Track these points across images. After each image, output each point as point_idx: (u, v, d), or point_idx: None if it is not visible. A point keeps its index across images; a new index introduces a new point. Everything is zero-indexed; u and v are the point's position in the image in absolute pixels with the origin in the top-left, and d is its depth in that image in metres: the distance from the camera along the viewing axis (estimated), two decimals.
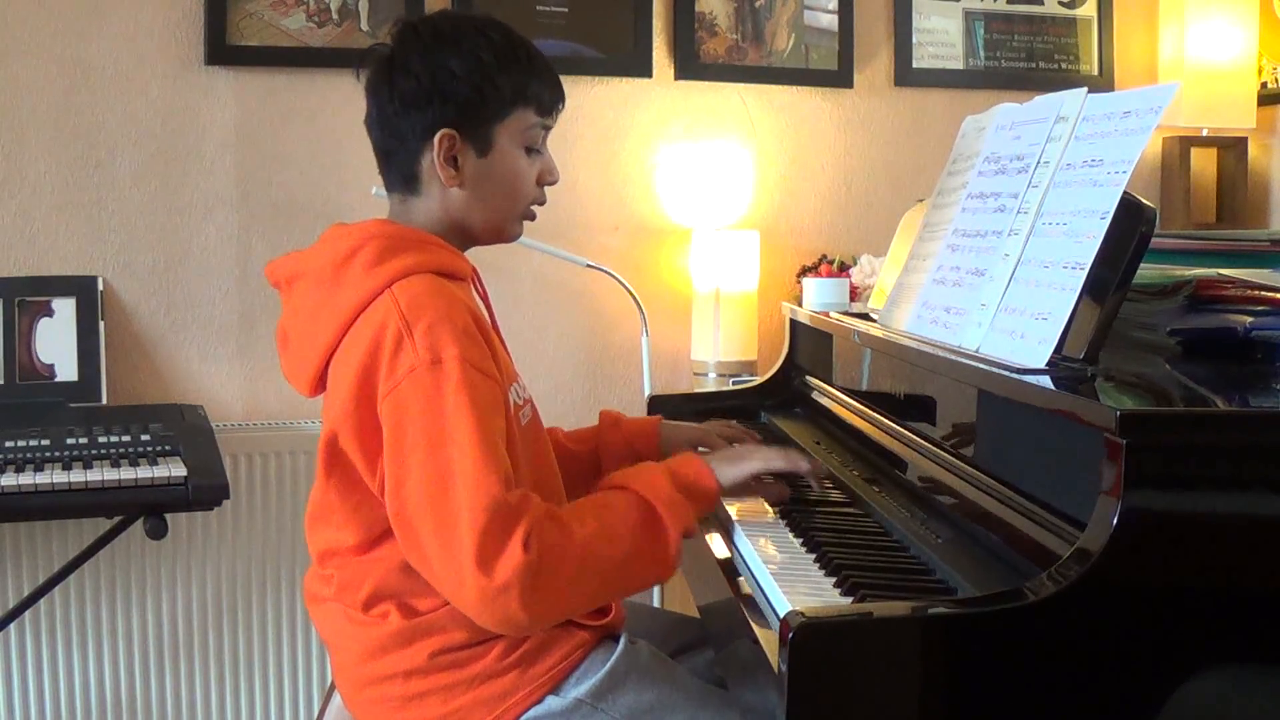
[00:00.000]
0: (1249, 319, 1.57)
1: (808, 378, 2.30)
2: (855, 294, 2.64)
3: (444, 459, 1.37)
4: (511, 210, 1.59)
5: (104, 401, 2.56)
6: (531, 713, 1.48)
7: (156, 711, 2.67)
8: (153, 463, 2.24)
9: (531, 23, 2.82)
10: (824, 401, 2.17)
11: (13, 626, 2.53)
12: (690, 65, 2.96)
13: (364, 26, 2.76)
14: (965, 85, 3.11)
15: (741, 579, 1.46)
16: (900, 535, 1.52)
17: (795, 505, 1.66)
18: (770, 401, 2.38)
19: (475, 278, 1.62)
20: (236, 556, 2.69)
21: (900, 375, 1.78)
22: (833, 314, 2.19)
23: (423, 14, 2.66)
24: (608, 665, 1.51)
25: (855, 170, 3.10)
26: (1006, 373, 1.39)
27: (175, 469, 2.22)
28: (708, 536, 1.62)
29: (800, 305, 2.37)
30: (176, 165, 2.69)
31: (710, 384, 2.84)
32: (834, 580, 1.36)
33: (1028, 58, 3.16)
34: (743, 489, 1.61)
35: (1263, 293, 1.59)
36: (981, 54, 3.14)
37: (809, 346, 2.33)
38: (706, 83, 2.99)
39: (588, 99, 2.91)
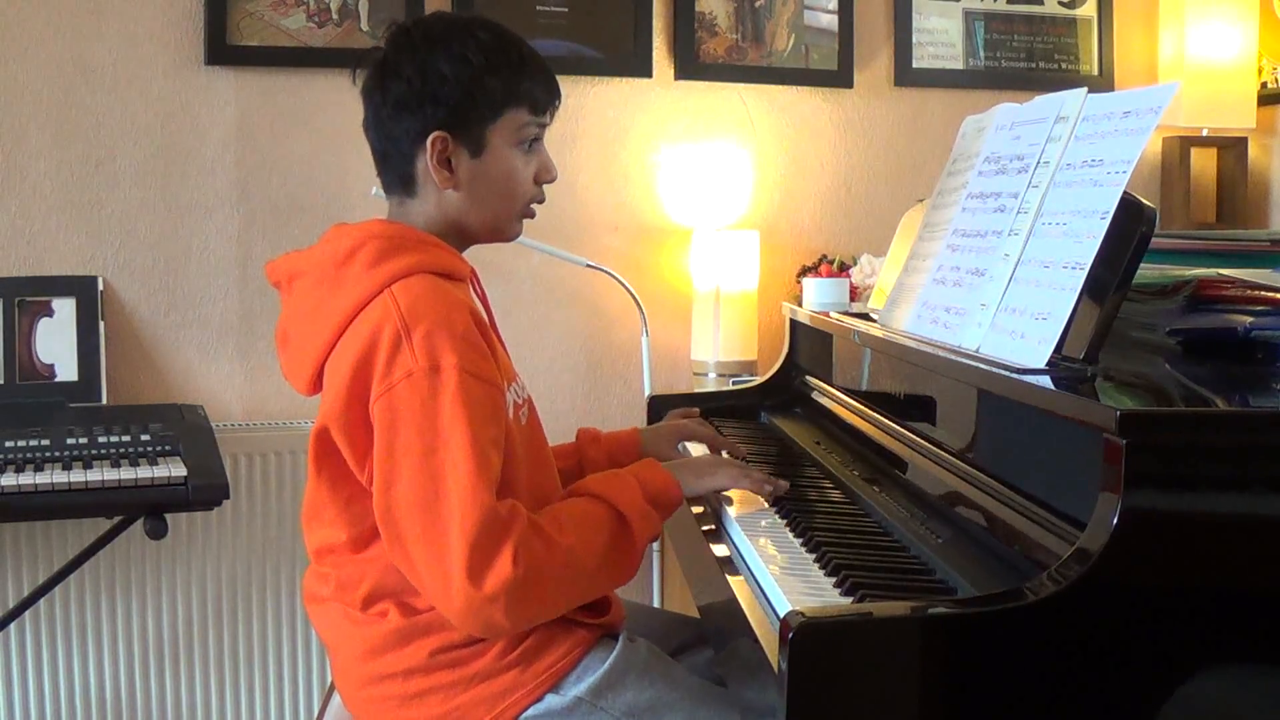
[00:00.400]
0: (1249, 319, 1.57)
1: (808, 378, 2.30)
2: (855, 294, 2.64)
3: (436, 465, 1.38)
4: (509, 210, 1.59)
5: (104, 401, 2.56)
6: (531, 711, 1.48)
7: (156, 711, 2.67)
8: (153, 463, 2.24)
9: (531, 23, 2.82)
10: (824, 401, 2.17)
11: (13, 626, 2.53)
12: (690, 65, 2.96)
13: (364, 26, 2.76)
14: (965, 85, 3.11)
15: (741, 579, 1.46)
16: (900, 535, 1.52)
17: (795, 505, 1.66)
18: (770, 401, 2.38)
19: (474, 278, 1.62)
20: (236, 556, 2.69)
21: (900, 375, 1.78)
22: (833, 314, 2.19)
23: (420, 15, 2.65)
24: (607, 663, 1.51)
25: (855, 170, 3.10)
26: (1006, 373, 1.39)
27: (175, 469, 2.22)
28: (708, 536, 1.62)
29: (800, 305, 2.37)
30: (176, 165, 2.69)
31: (710, 384, 2.84)
32: (834, 580, 1.36)
33: (1028, 58, 3.16)
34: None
35: (1263, 293, 1.59)
36: (981, 54, 3.14)
37: (809, 346, 2.32)
38: (706, 83, 2.99)
39: (588, 99, 2.91)
